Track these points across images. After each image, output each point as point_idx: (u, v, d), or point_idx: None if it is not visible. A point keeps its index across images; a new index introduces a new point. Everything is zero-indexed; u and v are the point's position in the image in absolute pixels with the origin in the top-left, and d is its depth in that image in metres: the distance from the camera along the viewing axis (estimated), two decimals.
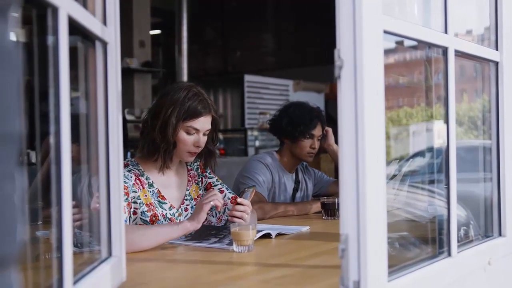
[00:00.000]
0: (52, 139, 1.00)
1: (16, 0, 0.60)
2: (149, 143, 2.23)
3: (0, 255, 0.56)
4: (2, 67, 0.55)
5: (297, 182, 3.19)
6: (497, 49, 1.84)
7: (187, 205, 2.35)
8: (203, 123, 2.24)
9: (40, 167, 2.09)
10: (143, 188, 2.22)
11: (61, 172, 1.01)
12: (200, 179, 2.44)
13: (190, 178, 2.40)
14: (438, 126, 1.93)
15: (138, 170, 2.25)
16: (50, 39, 1.01)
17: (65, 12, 1.02)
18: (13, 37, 0.59)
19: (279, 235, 2.21)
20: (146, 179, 2.25)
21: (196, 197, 2.39)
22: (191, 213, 2.31)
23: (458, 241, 1.58)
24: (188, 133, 2.22)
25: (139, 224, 2.17)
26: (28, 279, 1.16)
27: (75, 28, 1.11)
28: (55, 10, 1.00)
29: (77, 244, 1.35)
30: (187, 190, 2.37)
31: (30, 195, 1.78)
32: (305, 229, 2.38)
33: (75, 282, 1.09)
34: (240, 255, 1.85)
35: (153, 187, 2.25)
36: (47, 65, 1.02)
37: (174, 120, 2.18)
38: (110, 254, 1.38)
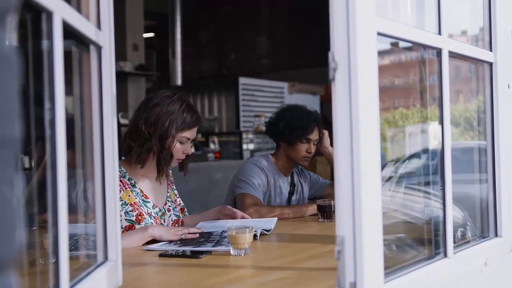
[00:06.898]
0: (47, 144, 1.00)
1: (14, 5, 0.60)
2: (145, 151, 2.29)
3: (0, 258, 0.57)
4: (1, 72, 0.55)
5: (292, 185, 3.18)
6: (491, 50, 1.85)
7: (169, 206, 2.46)
8: (195, 132, 2.38)
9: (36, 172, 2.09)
10: (126, 189, 2.29)
11: (57, 177, 1.01)
12: (174, 186, 2.56)
13: (169, 183, 2.52)
14: (434, 127, 1.94)
15: (120, 172, 2.29)
16: (44, 43, 1.01)
17: (60, 17, 1.02)
18: (11, 42, 0.59)
19: (263, 235, 2.23)
20: (129, 180, 2.32)
21: (173, 200, 2.50)
22: (173, 214, 2.45)
23: (455, 242, 1.58)
24: (181, 142, 2.33)
25: (125, 226, 2.21)
26: (25, 284, 1.16)
27: (69, 32, 1.11)
28: (49, 14, 0.99)
29: (71, 248, 1.34)
30: (168, 192, 2.49)
31: (26, 200, 1.78)
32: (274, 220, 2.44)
33: (71, 287, 1.08)
34: (236, 258, 1.85)
35: (136, 187, 2.33)
36: (41, 69, 1.01)
37: (174, 131, 2.28)
38: (106, 258, 1.38)
